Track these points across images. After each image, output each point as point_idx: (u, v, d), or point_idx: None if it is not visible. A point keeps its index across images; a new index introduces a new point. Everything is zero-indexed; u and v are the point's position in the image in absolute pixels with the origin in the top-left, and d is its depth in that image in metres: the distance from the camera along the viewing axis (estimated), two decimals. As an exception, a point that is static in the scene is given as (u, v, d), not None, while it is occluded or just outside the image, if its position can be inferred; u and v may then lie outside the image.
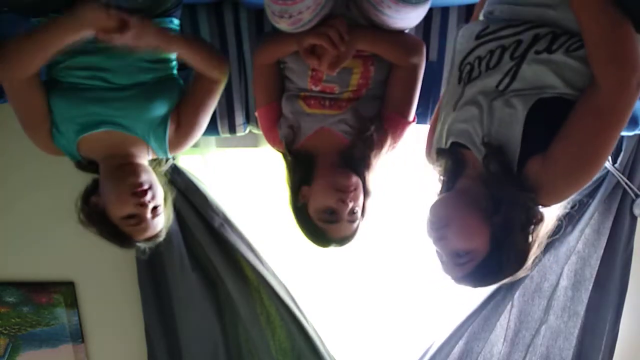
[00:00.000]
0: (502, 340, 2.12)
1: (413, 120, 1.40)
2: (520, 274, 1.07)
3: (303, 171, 1.34)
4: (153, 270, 2.00)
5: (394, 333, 2.28)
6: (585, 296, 2.03)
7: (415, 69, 1.35)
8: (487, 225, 1.02)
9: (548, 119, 0.97)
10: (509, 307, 2.06)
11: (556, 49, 0.97)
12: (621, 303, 2.04)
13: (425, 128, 1.38)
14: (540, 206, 1.02)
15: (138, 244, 1.40)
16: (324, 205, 1.29)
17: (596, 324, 2.06)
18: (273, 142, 1.46)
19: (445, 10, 1.59)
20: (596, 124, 0.93)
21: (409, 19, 1.27)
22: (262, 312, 2.05)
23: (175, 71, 1.44)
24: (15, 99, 1.31)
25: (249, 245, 1.98)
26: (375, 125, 1.33)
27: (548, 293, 2.03)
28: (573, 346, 2.11)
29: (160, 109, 1.38)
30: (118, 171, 1.33)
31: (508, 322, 2.09)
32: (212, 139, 1.88)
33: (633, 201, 1.89)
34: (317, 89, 1.36)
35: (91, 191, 1.38)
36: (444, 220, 1.05)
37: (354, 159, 1.33)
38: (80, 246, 1.98)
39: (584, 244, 1.98)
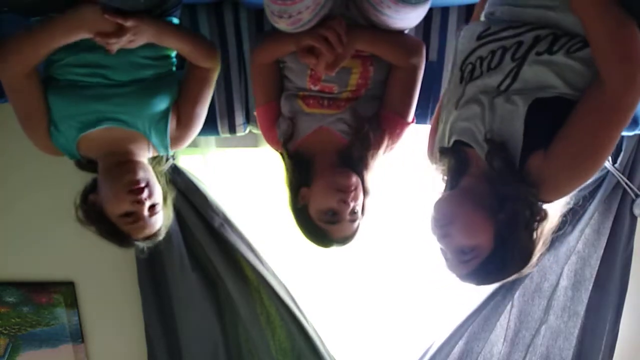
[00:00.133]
0: (502, 340, 2.12)
1: (412, 121, 1.40)
2: (526, 270, 1.07)
3: (302, 172, 1.34)
4: (153, 270, 2.00)
5: (394, 333, 2.28)
6: (585, 296, 2.03)
7: (414, 69, 1.35)
8: (491, 222, 1.02)
9: (549, 115, 0.97)
10: (509, 307, 2.06)
11: (557, 50, 0.98)
12: (621, 303, 2.04)
13: (424, 128, 1.38)
14: (542, 202, 1.02)
15: (137, 243, 1.40)
16: (325, 206, 1.29)
17: (596, 324, 2.06)
18: (272, 141, 1.46)
19: (445, 10, 1.59)
20: (600, 120, 0.93)
21: (408, 19, 1.27)
22: (262, 312, 2.05)
23: (174, 68, 1.44)
24: (13, 95, 1.31)
25: (249, 245, 1.98)
26: (372, 125, 1.34)
27: (548, 293, 2.03)
28: (573, 346, 2.11)
29: (160, 105, 1.38)
30: (116, 169, 1.33)
31: (508, 322, 2.09)
32: (212, 139, 1.88)
33: (633, 201, 1.89)
34: (316, 88, 1.36)
35: (90, 190, 1.37)
36: (448, 218, 1.06)
37: (353, 159, 1.33)
38: (80, 246, 1.98)
39: (584, 244, 1.98)
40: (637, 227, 1.97)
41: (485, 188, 1.05)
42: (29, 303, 2.14)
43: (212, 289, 2.04)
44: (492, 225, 1.02)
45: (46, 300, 2.13)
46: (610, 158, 1.82)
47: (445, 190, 1.16)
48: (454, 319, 2.06)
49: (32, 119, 1.33)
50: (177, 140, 1.45)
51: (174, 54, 1.42)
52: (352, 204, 1.28)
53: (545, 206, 1.03)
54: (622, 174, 1.85)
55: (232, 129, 1.76)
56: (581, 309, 2.05)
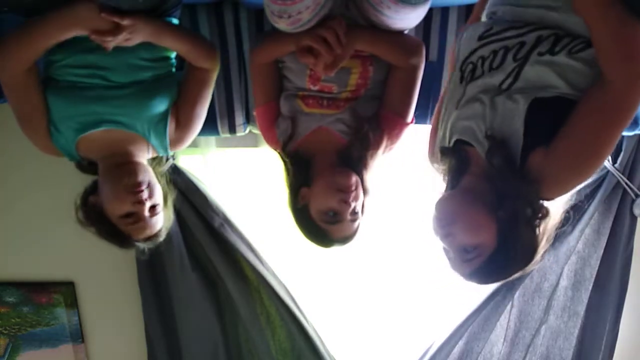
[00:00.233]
0: (502, 340, 2.12)
1: (411, 121, 1.40)
2: (530, 268, 1.07)
3: (302, 172, 1.34)
4: (153, 270, 2.00)
5: (394, 333, 2.28)
6: (585, 296, 2.03)
7: (414, 69, 1.35)
8: (494, 220, 1.02)
9: (549, 113, 0.98)
10: (509, 307, 2.06)
11: (559, 50, 0.98)
12: (621, 303, 2.04)
13: (424, 128, 1.38)
14: (543, 200, 1.03)
15: (137, 244, 1.40)
16: (326, 206, 1.29)
17: (596, 324, 2.06)
18: (271, 141, 1.46)
19: (445, 10, 1.59)
20: (603, 119, 0.94)
21: (408, 20, 1.27)
22: (262, 312, 2.05)
23: (174, 69, 1.44)
24: (12, 95, 1.31)
25: (249, 245, 1.98)
26: (371, 125, 1.34)
27: (548, 293, 2.03)
28: (573, 346, 2.11)
29: (160, 106, 1.38)
30: (116, 170, 1.33)
31: (508, 322, 2.09)
32: (212, 139, 1.88)
33: (633, 201, 1.89)
34: (316, 88, 1.36)
35: (90, 192, 1.37)
36: (450, 217, 1.06)
37: (352, 159, 1.33)
38: (80, 246, 1.98)
39: (584, 244, 1.98)
40: (637, 227, 1.97)
41: (486, 186, 1.05)
42: (29, 303, 2.14)
43: (212, 289, 2.04)
44: (494, 223, 1.03)
45: (46, 300, 2.13)
46: (610, 158, 1.82)
47: (446, 189, 1.16)
48: (454, 319, 2.06)
49: (31, 119, 1.33)
50: (176, 141, 1.45)
51: (173, 55, 1.42)
52: (352, 204, 1.28)
53: (547, 203, 1.04)
54: (622, 174, 1.85)
55: (232, 129, 1.76)
56: (581, 309, 2.05)
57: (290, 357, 2.10)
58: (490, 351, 2.12)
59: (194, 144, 1.76)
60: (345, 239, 1.36)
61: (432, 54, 1.63)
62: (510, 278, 1.10)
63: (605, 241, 1.95)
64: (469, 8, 1.56)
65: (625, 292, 2.03)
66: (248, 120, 1.76)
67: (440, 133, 1.19)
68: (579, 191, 1.84)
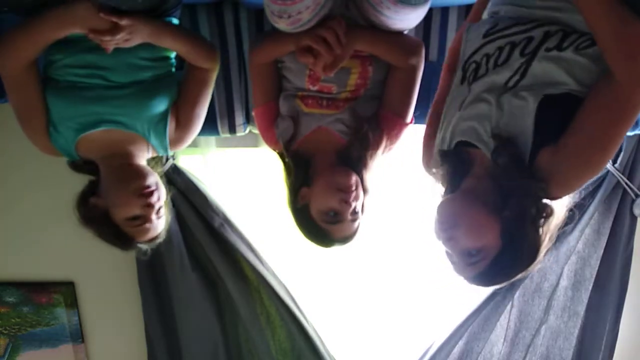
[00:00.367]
0: (502, 340, 2.12)
1: (411, 121, 1.40)
2: (532, 268, 1.06)
3: (301, 172, 1.34)
4: (153, 270, 2.00)
5: (394, 333, 2.28)
6: (585, 296, 2.03)
7: (413, 70, 1.35)
8: (497, 221, 1.01)
9: (558, 111, 0.97)
10: (509, 307, 2.06)
11: (567, 46, 0.98)
12: (621, 303, 2.04)
13: (424, 128, 1.37)
14: (550, 198, 1.02)
15: (139, 246, 1.39)
16: (327, 206, 1.29)
17: (596, 324, 2.06)
18: (270, 141, 1.46)
19: (445, 10, 1.59)
20: (610, 117, 0.93)
21: (408, 20, 1.27)
22: (262, 312, 2.05)
23: (174, 69, 1.44)
24: (12, 93, 1.31)
25: (249, 245, 1.98)
26: (371, 125, 1.33)
27: (548, 293, 2.03)
28: (573, 346, 2.11)
29: (159, 106, 1.38)
30: (122, 172, 1.33)
31: (508, 322, 2.09)
32: (212, 139, 1.88)
33: (633, 201, 1.89)
34: (315, 88, 1.36)
35: (88, 193, 1.36)
36: (452, 221, 1.04)
37: (351, 158, 1.33)
38: (80, 246, 1.98)
39: (584, 244, 1.98)
40: (637, 227, 1.97)
41: (489, 186, 1.03)
42: (29, 303, 2.14)
43: (212, 289, 2.04)
44: (497, 225, 1.01)
45: (46, 300, 2.13)
46: (610, 158, 1.82)
47: (446, 193, 1.14)
48: (454, 319, 2.06)
49: (31, 119, 1.33)
50: (176, 141, 1.45)
51: (173, 55, 1.42)
52: (353, 204, 1.28)
53: (551, 202, 1.03)
54: (622, 174, 1.85)
55: (232, 129, 1.76)
56: (581, 309, 2.05)
57: (290, 357, 2.10)
58: (490, 351, 2.12)
59: (194, 144, 1.76)
60: (345, 238, 1.36)
61: (432, 54, 1.63)
62: (514, 279, 1.09)
63: (605, 241, 1.95)
64: (469, 8, 1.55)
65: (625, 292, 2.03)
66: (248, 120, 1.76)
67: (439, 136, 1.18)
68: (579, 191, 1.84)
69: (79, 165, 1.41)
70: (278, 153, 1.42)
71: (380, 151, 1.35)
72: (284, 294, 2.00)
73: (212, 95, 1.49)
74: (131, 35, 1.22)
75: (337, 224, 1.31)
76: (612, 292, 2.01)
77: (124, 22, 1.18)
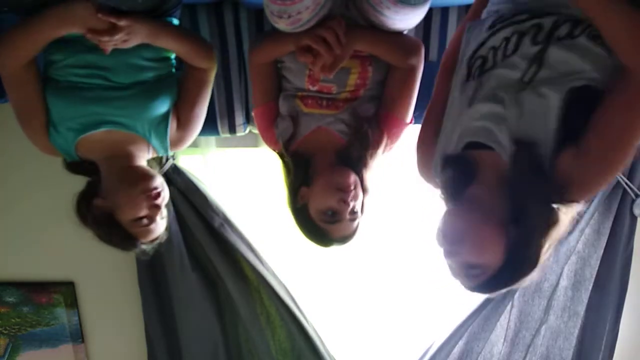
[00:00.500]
0: (502, 340, 2.12)
1: (411, 121, 1.40)
2: (531, 276, 1.03)
3: (301, 172, 1.34)
4: (153, 270, 2.00)
5: (394, 333, 2.28)
6: (585, 296, 2.03)
7: (413, 70, 1.35)
8: (503, 236, 0.97)
9: (581, 106, 0.92)
10: (509, 307, 2.06)
11: (578, 34, 0.94)
12: (621, 303, 2.04)
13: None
14: (567, 202, 0.97)
15: (143, 246, 1.39)
16: (325, 206, 1.29)
17: (596, 324, 2.06)
18: (270, 142, 1.46)
19: (445, 10, 1.59)
20: (632, 118, 0.90)
21: (408, 20, 1.27)
22: (262, 312, 2.05)
23: (174, 69, 1.44)
24: (12, 93, 1.31)
25: (249, 245, 1.98)
26: (371, 125, 1.33)
27: (548, 293, 2.03)
28: (573, 346, 2.11)
29: (161, 107, 1.38)
30: (128, 174, 1.33)
31: (508, 322, 2.09)
32: (212, 139, 1.88)
33: (633, 201, 1.89)
34: (315, 88, 1.36)
35: (89, 194, 1.36)
36: (458, 236, 1.00)
37: (351, 158, 1.33)
38: (80, 246, 1.97)
39: (584, 244, 1.98)
40: (637, 227, 1.97)
41: (498, 195, 0.98)
42: (29, 303, 2.14)
43: (212, 289, 2.04)
44: (503, 239, 0.97)
45: (46, 300, 2.13)
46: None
47: (448, 200, 1.08)
48: (454, 319, 2.06)
49: (31, 118, 1.33)
50: (177, 141, 1.45)
51: (173, 55, 1.41)
52: (352, 204, 1.28)
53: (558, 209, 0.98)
54: (622, 174, 1.85)
55: (232, 129, 1.76)
56: (581, 309, 2.05)
57: (290, 357, 2.10)
58: (490, 351, 2.12)
59: (194, 144, 1.75)
60: (344, 238, 1.36)
61: (432, 54, 1.63)
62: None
63: (605, 241, 1.95)
64: (468, 8, 1.55)
65: (625, 292, 2.03)
66: (248, 120, 1.76)
67: (442, 139, 1.13)
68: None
69: (76, 167, 1.40)
70: (278, 153, 1.42)
71: (380, 151, 1.35)
72: (284, 294, 2.00)
73: (212, 95, 1.49)
74: (129, 36, 1.22)
75: (335, 223, 1.31)
76: (612, 292, 2.01)
77: (122, 22, 1.17)
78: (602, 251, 1.96)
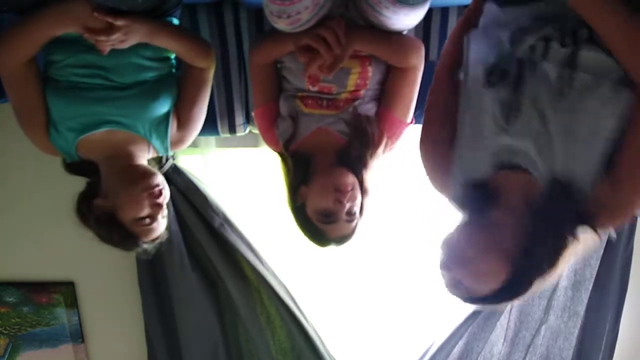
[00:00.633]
0: (502, 340, 2.12)
1: (411, 121, 1.40)
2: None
3: (301, 171, 1.34)
4: (153, 270, 2.00)
5: (394, 333, 2.28)
6: (585, 296, 2.03)
7: (413, 70, 1.34)
8: (509, 266, 0.92)
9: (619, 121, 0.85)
10: (509, 307, 2.06)
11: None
12: (621, 303, 2.04)
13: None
14: (595, 228, 0.92)
15: (144, 246, 1.39)
16: (321, 206, 1.29)
17: (596, 324, 2.06)
18: (270, 142, 1.46)
19: (445, 10, 1.59)
20: None
21: (407, 20, 1.27)
22: (262, 312, 2.05)
23: (174, 69, 1.44)
24: (12, 92, 1.31)
25: (249, 245, 1.98)
26: (371, 125, 1.33)
27: (548, 293, 2.03)
28: (573, 346, 2.11)
29: (162, 107, 1.38)
30: (129, 173, 1.33)
31: (508, 322, 2.09)
32: (212, 139, 1.88)
33: (633, 201, 1.89)
34: (315, 89, 1.36)
35: (89, 194, 1.36)
36: (464, 259, 0.96)
37: (351, 159, 1.32)
38: (80, 246, 1.95)
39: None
40: (637, 227, 1.96)
41: (522, 225, 0.92)
42: (29, 303, 2.14)
43: (212, 289, 2.05)
44: (509, 269, 0.92)
45: (46, 300, 2.13)
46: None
47: (464, 213, 1.02)
48: (454, 319, 2.06)
49: (30, 118, 1.33)
50: (177, 141, 1.45)
51: (173, 55, 1.41)
52: (348, 205, 1.28)
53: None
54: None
55: (232, 129, 1.76)
56: (581, 309, 2.05)
57: (290, 357, 2.10)
58: (490, 351, 2.12)
59: (194, 144, 1.76)
60: (341, 238, 1.36)
61: (432, 54, 1.63)
62: None
63: (606, 241, 1.95)
64: (468, 8, 1.56)
65: (625, 292, 2.03)
66: (248, 120, 1.76)
67: (466, 157, 1.05)
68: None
69: (75, 167, 1.40)
70: (278, 153, 1.42)
71: (380, 151, 1.35)
72: (284, 294, 2.00)
73: (212, 95, 1.49)
74: (127, 36, 1.21)
75: (331, 224, 1.31)
76: (612, 292, 2.01)
77: (119, 22, 1.17)
78: (602, 251, 1.96)
